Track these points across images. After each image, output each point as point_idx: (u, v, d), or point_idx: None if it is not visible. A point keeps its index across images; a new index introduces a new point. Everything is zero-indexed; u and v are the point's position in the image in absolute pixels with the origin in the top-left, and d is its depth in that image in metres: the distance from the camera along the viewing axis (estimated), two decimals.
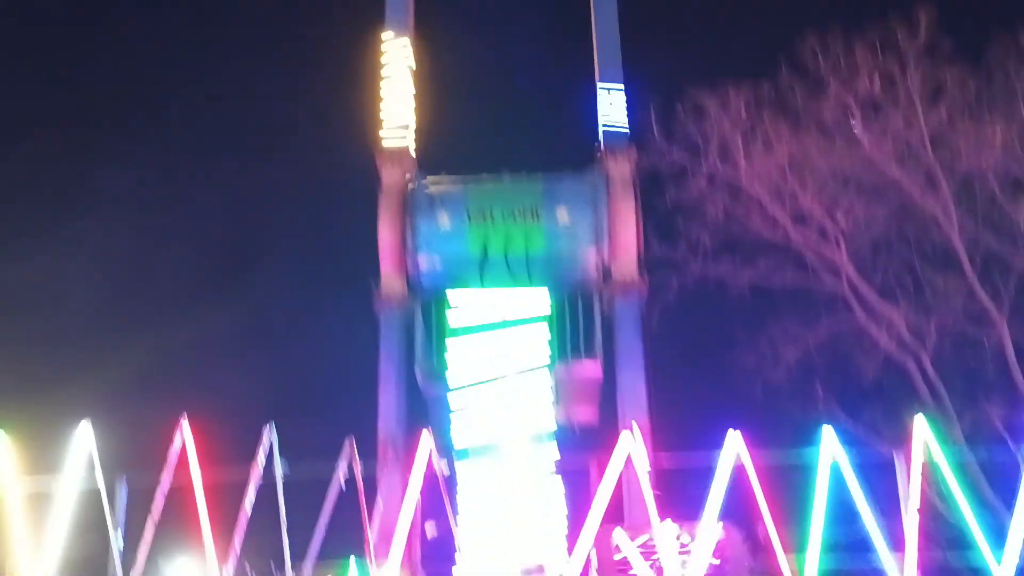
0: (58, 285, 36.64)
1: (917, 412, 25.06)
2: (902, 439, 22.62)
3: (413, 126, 30.28)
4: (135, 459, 22.45)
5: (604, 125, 30.93)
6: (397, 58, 30.20)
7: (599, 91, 31.23)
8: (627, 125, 31.87)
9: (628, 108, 33.06)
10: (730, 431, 20.43)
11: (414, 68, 30.69)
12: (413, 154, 30.08)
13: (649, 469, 21.45)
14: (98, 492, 19.94)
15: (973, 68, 32.46)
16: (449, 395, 26.96)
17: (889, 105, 32.62)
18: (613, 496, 20.38)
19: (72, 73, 42.46)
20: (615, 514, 22.72)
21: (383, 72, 30.12)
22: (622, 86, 31.14)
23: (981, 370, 31.83)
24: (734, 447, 20.45)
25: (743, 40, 37.83)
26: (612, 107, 31.44)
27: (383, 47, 30.11)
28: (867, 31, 32.63)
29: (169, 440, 20.34)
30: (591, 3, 31.57)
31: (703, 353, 33.61)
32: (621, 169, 28.74)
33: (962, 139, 32.03)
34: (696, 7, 39.52)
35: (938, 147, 32.40)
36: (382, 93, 30.14)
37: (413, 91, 30.40)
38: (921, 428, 21.37)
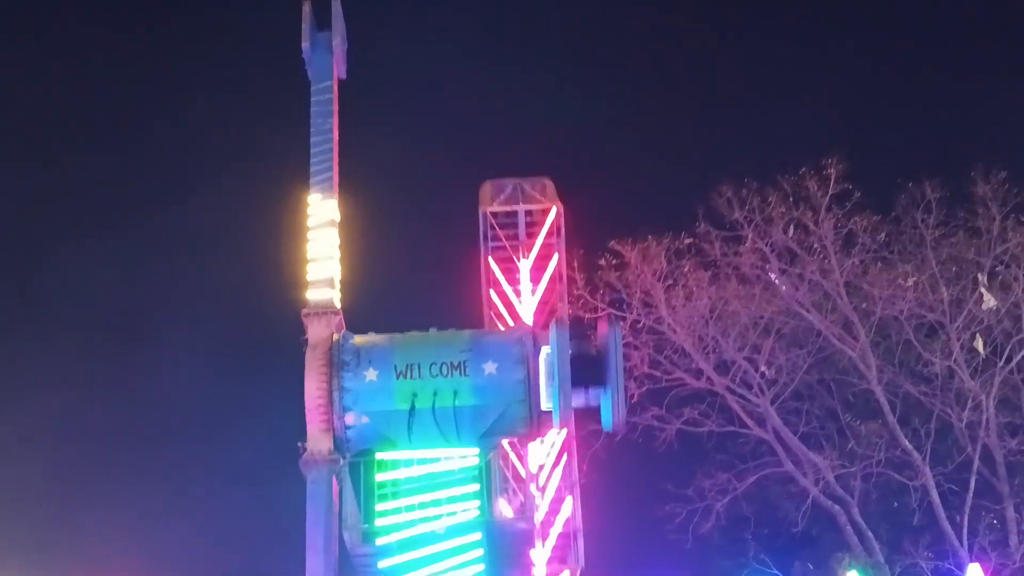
0: None
1: (847, 563, 25.18)
2: None
3: (339, 282, 30.16)
4: None
5: None
6: (322, 215, 30.22)
7: None
8: None
9: None
10: None
11: (338, 222, 30.72)
12: (339, 310, 29.86)
13: None
14: None
15: (883, 216, 33.61)
16: (379, 560, 26.34)
17: (804, 253, 33.54)
18: None
19: None
20: None
21: (308, 230, 30.07)
22: None
23: (908, 516, 32.14)
24: None
25: (661, 191, 38.79)
26: None
27: (308, 209, 30.14)
28: (780, 181, 33.70)
29: None
30: None
31: (632, 506, 33.49)
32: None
33: (876, 286, 32.91)
34: (613, 159, 40.52)
35: (853, 294, 33.26)
36: (307, 250, 30.04)
37: (338, 247, 30.36)
38: None
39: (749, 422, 33.28)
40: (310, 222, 30.13)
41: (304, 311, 29.29)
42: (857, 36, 45.16)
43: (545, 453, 28.51)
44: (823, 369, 33.99)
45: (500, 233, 34.10)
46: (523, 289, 34.35)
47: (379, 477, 27.56)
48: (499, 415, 28.64)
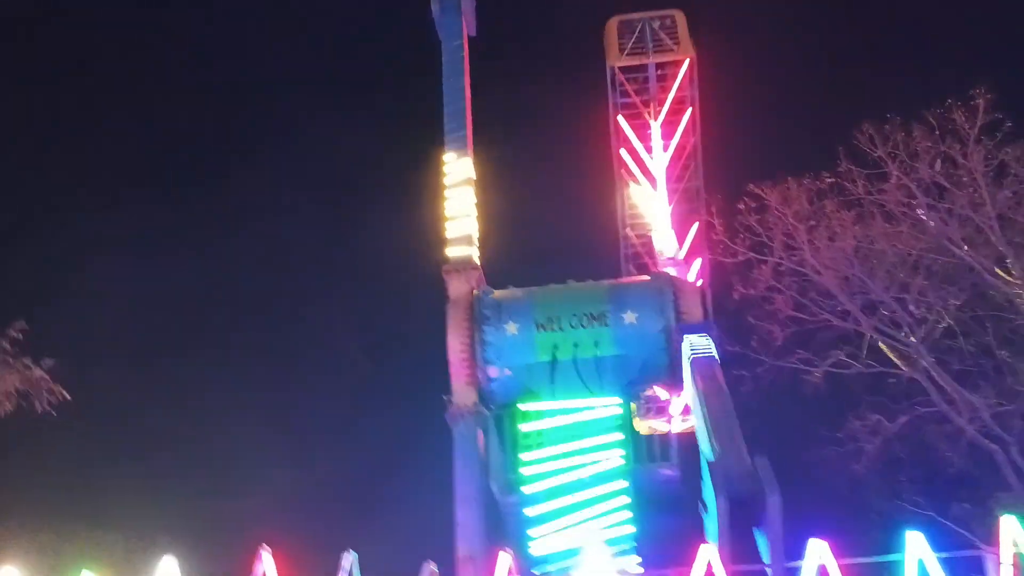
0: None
1: (1005, 503, 24.44)
2: (992, 533, 21.99)
3: (477, 238, 30.60)
4: None
5: None
6: (458, 173, 30.66)
7: None
8: None
9: None
10: (811, 541, 19.94)
11: (475, 180, 31.10)
12: (478, 265, 30.32)
13: None
14: None
15: None
16: (525, 507, 26.87)
17: (953, 187, 32.31)
18: None
19: None
20: None
21: (445, 188, 30.56)
22: None
23: None
24: (817, 556, 19.97)
25: (799, 130, 37.88)
26: None
27: (444, 168, 30.60)
28: (925, 115, 32.48)
29: (249, 571, 20.42)
30: None
31: (782, 449, 33.05)
32: (686, 272, 28.64)
33: None
34: (749, 103, 39.66)
35: (1007, 227, 31.94)
36: (445, 208, 30.56)
37: (475, 204, 30.75)
38: (1009, 527, 20.68)
39: (899, 362, 32.43)
40: (447, 180, 30.66)
41: (444, 268, 29.92)
42: None
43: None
44: (977, 306, 32.75)
45: (629, 88, 34.65)
46: (655, 146, 34.75)
47: (523, 428, 28.12)
48: (641, 364, 28.80)
